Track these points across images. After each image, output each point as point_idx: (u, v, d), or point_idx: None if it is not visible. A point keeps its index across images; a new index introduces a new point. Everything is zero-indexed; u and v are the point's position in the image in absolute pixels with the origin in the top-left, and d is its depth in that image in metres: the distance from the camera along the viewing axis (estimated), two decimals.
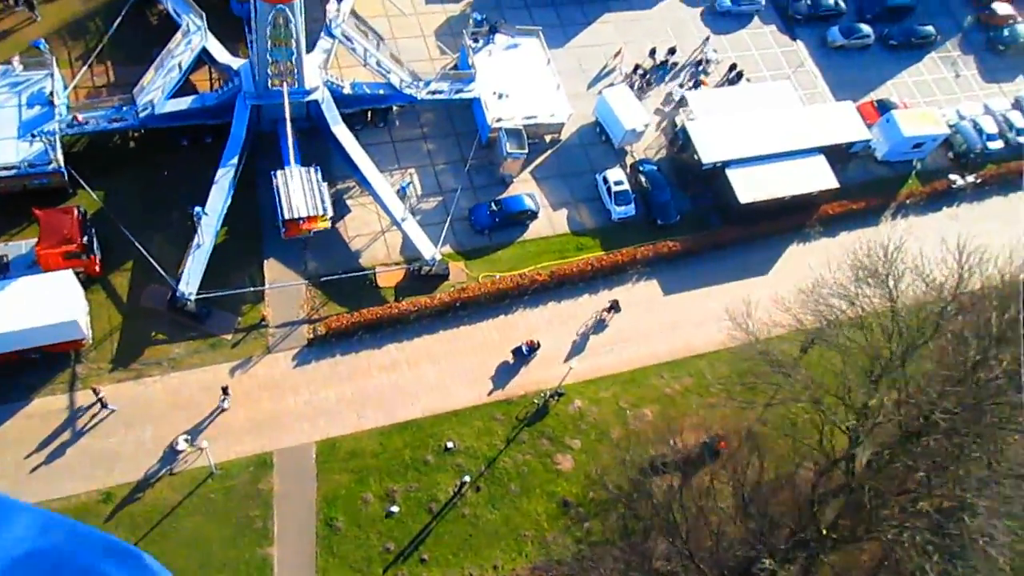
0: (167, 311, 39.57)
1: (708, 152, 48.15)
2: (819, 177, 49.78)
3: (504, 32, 50.37)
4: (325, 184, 42.44)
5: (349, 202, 45.14)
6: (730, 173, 48.16)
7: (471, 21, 49.66)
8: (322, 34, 46.36)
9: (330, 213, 41.68)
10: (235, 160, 41.67)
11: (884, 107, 55.49)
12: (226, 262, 41.34)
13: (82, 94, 44.45)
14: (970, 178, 55.14)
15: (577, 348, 43.77)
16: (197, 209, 37.86)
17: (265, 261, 42.40)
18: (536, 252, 46.19)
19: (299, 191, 40.93)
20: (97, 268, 39.38)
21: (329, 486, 37.73)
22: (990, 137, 56.57)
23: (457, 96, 47.18)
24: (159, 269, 39.43)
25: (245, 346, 40.27)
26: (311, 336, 40.89)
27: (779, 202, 48.79)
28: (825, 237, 50.93)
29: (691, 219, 49.29)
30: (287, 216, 40.25)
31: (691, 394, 43.72)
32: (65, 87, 43.18)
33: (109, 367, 38.24)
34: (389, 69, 45.73)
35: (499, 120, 46.40)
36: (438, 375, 41.38)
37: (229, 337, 40.31)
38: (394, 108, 47.56)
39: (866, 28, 59.50)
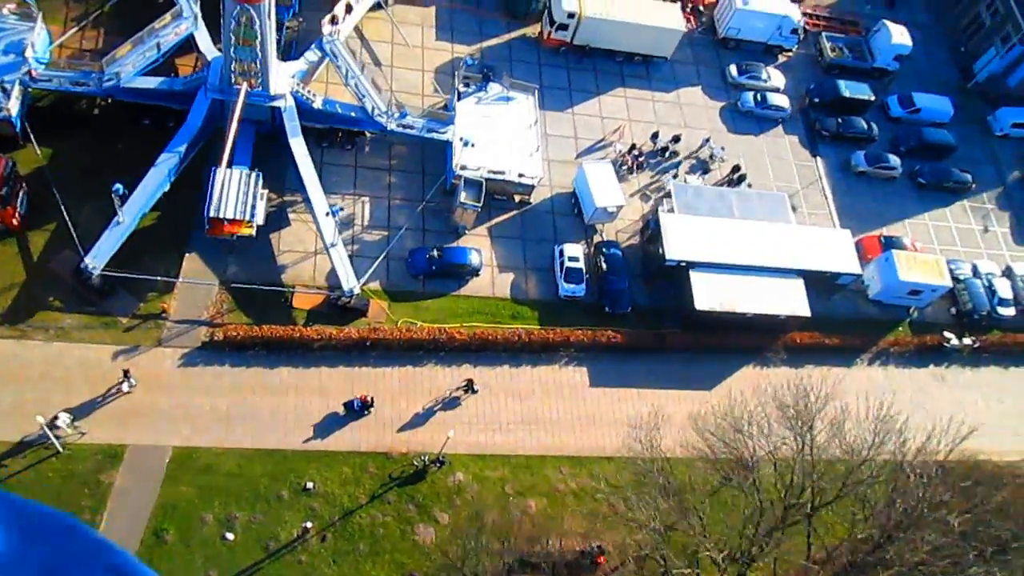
0: (71, 280, 39.76)
1: (675, 247, 46.36)
2: (791, 301, 47.30)
3: (498, 82, 50.07)
4: (264, 192, 42.47)
5: (291, 216, 45.00)
6: (694, 275, 46.18)
7: (463, 64, 49.50)
8: (312, 46, 47.00)
9: (258, 222, 41.59)
10: (182, 148, 42.07)
11: (890, 244, 52.77)
12: (148, 247, 41.50)
13: (66, 54, 45.93)
14: (968, 340, 51.56)
15: (477, 418, 42.10)
16: (117, 186, 38.08)
17: (187, 255, 42.39)
18: (468, 310, 44.95)
19: (233, 192, 40.93)
20: (15, 222, 40.01)
21: (171, 495, 36.73)
22: (1002, 302, 52.98)
23: (429, 135, 46.88)
24: (74, 236, 39.80)
25: (137, 333, 40.06)
26: (206, 339, 40.43)
27: (741, 317, 46.47)
28: (787, 366, 48.03)
29: (645, 314, 47.34)
30: (211, 213, 40.22)
31: (585, 496, 41.30)
32: (50, 43, 44.70)
33: None
34: (365, 94, 45.78)
35: (463, 168, 45.77)
36: (322, 411, 40.24)
37: (125, 320, 40.21)
38: (367, 134, 47.56)
39: (895, 159, 57.07)
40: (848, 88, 58.58)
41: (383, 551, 37.88)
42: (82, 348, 38.99)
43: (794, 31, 59.59)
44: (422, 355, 42.92)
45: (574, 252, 46.82)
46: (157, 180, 41.17)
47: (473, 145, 45.76)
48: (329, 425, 40.09)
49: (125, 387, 38.00)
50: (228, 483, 37.66)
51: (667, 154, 53.35)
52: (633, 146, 52.62)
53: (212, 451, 38.20)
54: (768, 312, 46.73)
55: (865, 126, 58.12)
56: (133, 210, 40.17)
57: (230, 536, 36.38)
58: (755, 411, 37.41)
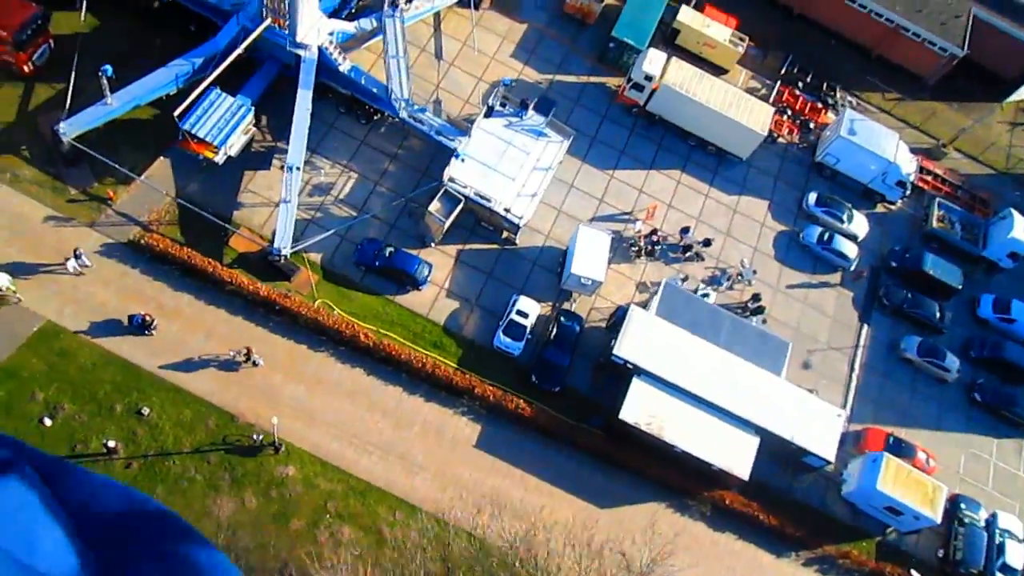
0: (49, 139, 42.33)
1: (629, 345, 42.64)
2: (732, 456, 42.08)
3: (536, 113, 48.41)
4: (251, 129, 43.60)
5: (274, 163, 45.65)
6: (635, 382, 42.23)
7: (502, 83, 48.17)
8: (372, 16, 47.68)
9: (229, 152, 42.56)
10: (198, 60, 43.69)
11: (896, 447, 45.83)
12: (131, 137, 43.56)
13: None
14: None
15: (341, 425, 40.54)
16: (106, 67, 40.11)
17: (161, 157, 44.05)
18: (392, 319, 43.63)
19: (215, 115, 42.19)
20: (26, 68, 43.28)
21: (19, 362, 38.14)
22: (1005, 569, 44.53)
23: (438, 138, 46.03)
24: (68, 101, 42.36)
25: (77, 208, 42.08)
26: (133, 239, 41.74)
27: (670, 449, 41.92)
28: (703, 523, 42.96)
29: (575, 402, 43.91)
30: (185, 126, 41.58)
31: (402, 548, 38.65)
32: None
33: None
34: (392, 76, 45.78)
35: (451, 180, 44.52)
36: (197, 349, 40.37)
37: (73, 191, 42.37)
38: (388, 117, 47.44)
39: (953, 360, 49.61)
40: (935, 266, 51.67)
41: (174, 505, 37.26)
42: (24, 201, 41.44)
43: (900, 183, 53.41)
44: (321, 341, 42.06)
45: (527, 308, 44.26)
46: (160, 80, 43.07)
47: (463, 160, 44.46)
48: (196, 365, 40.14)
49: (69, 266, 39.78)
50: (75, 374, 38.60)
51: (689, 254, 49.38)
52: (655, 231, 49.16)
53: (78, 339, 39.28)
54: (700, 456, 41.82)
55: (937, 314, 50.96)
56: (125, 98, 42.27)
57: (48, 422, 37.24)
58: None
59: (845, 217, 52.51)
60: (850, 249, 51.43)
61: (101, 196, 42.53)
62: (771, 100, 56.30)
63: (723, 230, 51.37)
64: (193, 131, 41.69)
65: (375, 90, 46.17)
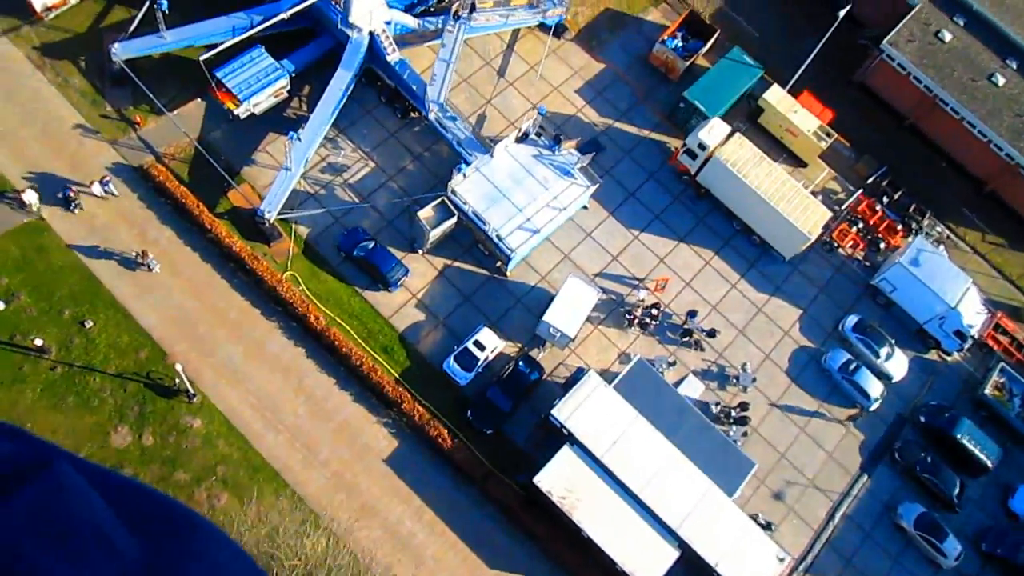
0: (105, 56, 45.47)
1: (569, 409, 40.33)
2: (644, 562, 38.69)
3: (577, 153, 47.11)
4: (283, 92, 45.31)
5: (300, 132, 46.82)
6: (564, 449, 39.87)
7: (537, 110, 46.95)
8: (439, 17, 48.25)
9: (251, 109, 44.40)
10: (258, 17, 45.51)
11: None
12: (179, 73, 46.05)
13: None
14: None
15: (262, 396, 40.83)
16: (161, 1, 42.70)
17: (197, 100, 46.34)
18: (353, 311, 43.63)
19: (248, 72, 44.12)
20: None
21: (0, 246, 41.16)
22: None
23: (459, 148, 45.71)
24: (134, 24, 45.27)
25: (106, 123, 45.13)
26: (143, 165, 44.13)
27: (577, 530, 39.17)
28: None
29: (504, 450, 42.13)
30: (217, 73, 43.60)
31: (273, 534, 38.25)
32: None
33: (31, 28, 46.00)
34: (434, 77, 46.06)
35: (453, 192, 44.02)
36: (162, 286, 41.99)
37: (108, 108, 45.38)
38: (423, 116, 47.65)
39: (954, 546, 43.34)
40: (970, 435, 45.56)
41: (79, 418, 38.91)
42: (63, 105, 44.93)
43: (959, 334, 47.55)
44: (276, 310, 42.68)
45: (487, 340, 42.94)
46: (217, 27, 45.34)
47: (465, 175, 43.82)
48: (155, 301, 41.78)
49: (95, 189, 42.61)
50: (42, 270, 41.24)
51: (687, 339, 46.19)
52: (657, 304, 46.39)
53: (59, 242, 41.94)
54: (607, 551, 38.76)
55: (956, 488, 44.84)
56: (178, 36, 45.03)
57: (0, 305, 39.92)
58: None
59: (883, 352, 47.34)
60: (875, 388, 46.29)
61: (131, 119, 45.38)
62: (845, 207, 51.97)
63: (738, 326, 47.71)
64: (223, 79, 43.71)
65: (415, 87, 46.55)
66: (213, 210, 43.99)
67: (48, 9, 46.11)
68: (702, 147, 47.94)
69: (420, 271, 45.18)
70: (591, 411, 40.69)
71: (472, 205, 44.28)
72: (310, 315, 42.18)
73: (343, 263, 44.52)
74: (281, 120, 46.77)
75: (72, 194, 41.90)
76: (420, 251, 45.26)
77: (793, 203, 47.45)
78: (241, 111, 44.24)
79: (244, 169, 45.65)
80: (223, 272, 43.11)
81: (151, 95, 44.97)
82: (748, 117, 53.32)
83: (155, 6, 42.99)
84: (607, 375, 43.60)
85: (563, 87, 52.05)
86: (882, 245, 51.47)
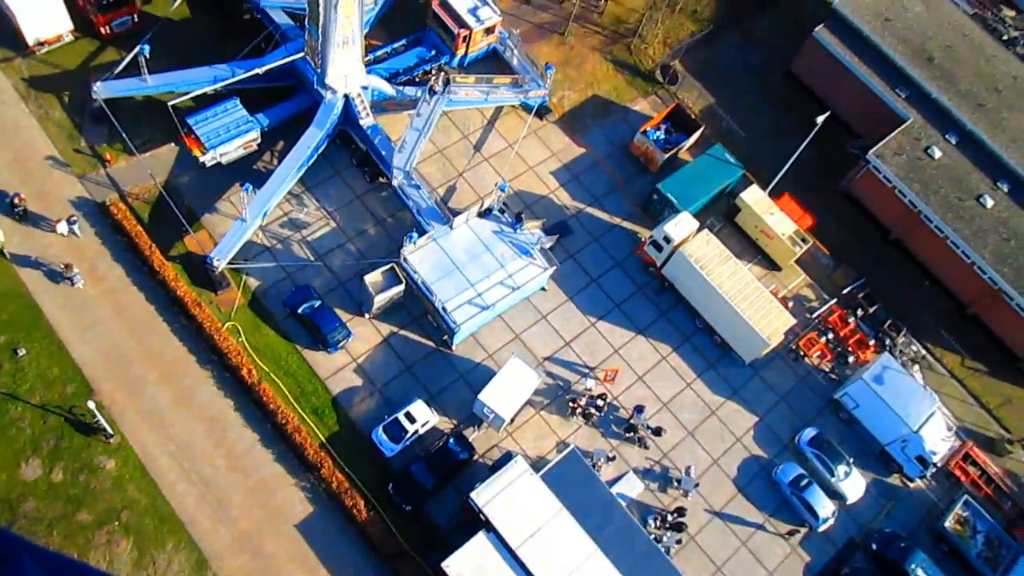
0: (90, 84, 46.48)
1: (488, 496, 39.04)
2: None
3: (543, 234, 47.18)
4: (252, 144, 46.12)
5: (254, 185, 46.89)
6: (479, 536, 38.40)
7: (497, 187, 46.80)
8: (420, 89, 49.11)
9: (216, 157, 45.07)
10: (240, 70, 46.80)
11: None
12: (156, 116, 46.96)
13: None
14: None
15: (184, 448, 40.25)
16: (144, 47, 44.10)
17: (171, 144, 47.24)
18: (290, 368, 43.29)
19: (219, 122, 45.14)
20: (104, 31, 49.17)
21: None
22: None
23: (417, 217, 45.93)
24: (121, 66, 46.55)
25: (78, 158, 46.33)
26: (106, 202, 44.90)
27: None
28: None
29: (423, 528, 40.89)
30: (189, 120, 44.63)
31: None
32: None
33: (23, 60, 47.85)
34: (402, 147, 46.71)
35: (404, 259, 43.96)
36: (104, 313, 42.29)
37: (83, 145, 46.56)
38: (390, 182, 48.04)
39: None
40: (923, 571, 43.02)
41: None
42: (39, 135, 46.26)
43: (921, 459, 45.45)
44: (211, 360, 42.50)
45: (419, 413, 42.10)
46: (199, 76, 46.72)
47: (415, 244, 43.77)
48: (94, 336, 41.89)
49: (60, 228, 43.19)
50: None
51: (631, 435, 44.81)
52: (604, 396, 45.23)
53: (4, 265, 42.42)
54: None
55: None
56: (160, 81, 46.28)
57: None
58: None
59: (840, 471, 45.35)
60: (825, 507, 44.20)
61: (102, 156, 46.44)
62: (816, 315, 50.77)
63: (688, 427, 46.23)
64: (193, 126, 44.68)
65: (384, 152, 47.11)
66: (167, 253, 44.40)
67: (41, 44, 47.93)
68: (667, 240, 47.45)
69: (365, 335, 44.84)
70: (512, 499, 39.34)
71: (422, 275, 44.10)
72: (243, 367, 41.87)
73: (287, 319, 44.39)
74: (250, 172, 47.46)
75: (18, 201, 42.89)
76: (367, 315, 45.02)
77: (756, 306, 46.46)
78: (207, 159, 45.01)
79: (205, 216, 46.19)
80: (166, 315, 43.19)
81: (124, 135, 46.09)
82: (726, 215, 52.93)
83: (138, 50, 44.55)
84: (540, 463, 42.43)
85: (539, 167, 52.28)
86: (851, 359, 49.95)
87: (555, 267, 46.74)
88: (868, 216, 55.55)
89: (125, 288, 43.50)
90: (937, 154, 53.16)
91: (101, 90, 45.83)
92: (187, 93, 45.41)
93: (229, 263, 43.83)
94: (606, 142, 54.33)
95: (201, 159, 45.06)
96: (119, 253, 44.20)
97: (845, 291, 52.32)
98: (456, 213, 47.30)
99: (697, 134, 54.00)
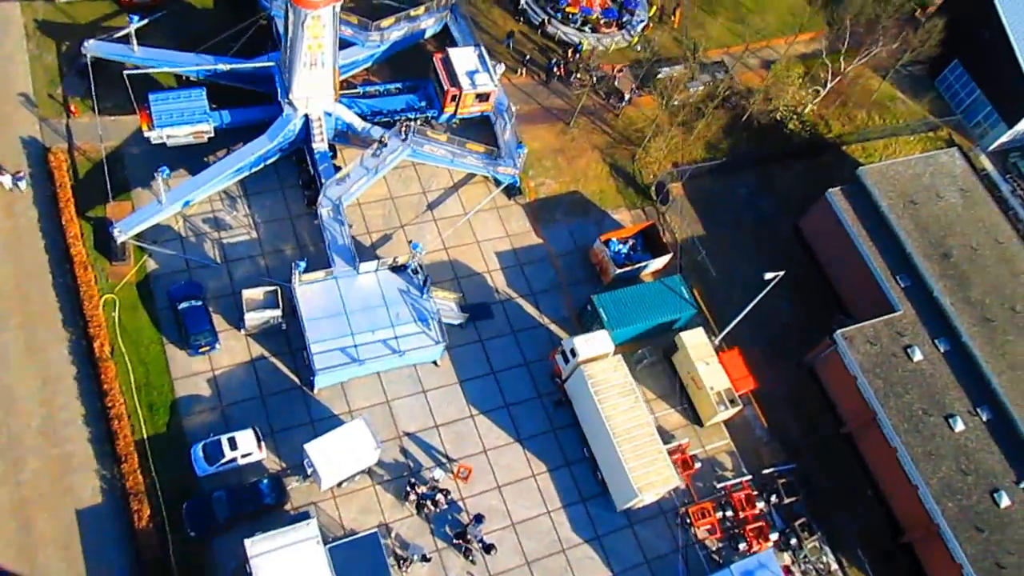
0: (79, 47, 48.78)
1: (263, 545, 36.62)
2: None
3: (456, 309, 46.06)
4: (202, 136, 47.39)
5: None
6: None
7: (412, 247, 45.18)
8: (385, 132, 49.01)
9: (163, 135, 46.31)
10: (224, 67, 48.40)
11: None
12: (138, 85, 48.07)
13: None
14: None
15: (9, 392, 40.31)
16: (134, 17, 46.41)
17: (138, 111, 47.83)
18: (146, 358, 42.84)
19: (177, 104, 46.48)
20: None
21: None
22: None
23: (329, 251, 45.11)
24: (121, 32, 48.50)
25: (48, 102, 48.75)
26: (50, 147, 46.58)
27: None
28: None
29: (203, 560, 38.75)
30: (151, 96, 46.18)
31: None
32: None
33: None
34: (344, 180, 46.80)
35: (293, 288, 43.15)
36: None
37: (58, 92, 48.82)
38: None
39: None
40: None
41: None
42: (23, 73, 48.88)
43: None
44: (76, 324, 42.58)
45: (244, 443, 40.39)
46: (184, 59, 48.35)
47: (301, 273, 42.87)
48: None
49: (6, 181, 44.82)
50: None
51: (459, 542, 41.38)
52: (447, 492, 42.20)
53: None
54: None
55: None
56: (145, 55, 48.00)
57: None
58: None
59: None
60: None
61: (68, 107, 48.34)
62: (723, 487, 46.07)
63: (528, 556, 42.40)
64: (151, 102, 46.07)
65: (324, 180, 46.91)
66: (84, 212, 45.40)
67: None
68: (573, 353, 44.57)
69: (234, 350, 44.00)
70: (285, 560, 36.82)
71: (303, 308, 43.12)
72: (99, 339, 41.75)
73: (167, 309, 44.15)
74: (195, 159, 48.19)
75: None
76: (242, 330, 44.24)
77: (640, 452, 42.58)
78: (152, 135, 46.18)
79: (136, 190, 47.07)
80: (55, 268, 43.87)
81: (94, 93, 47.78)
82: (664, 351, 49.48)
83: (129, 18, 46.67)
84: (344, 537, 39.82)
85: (487, 243, 50.73)
86: (743, 545, 44.82)
87: (445, 343, 44.70)
88: (826, 400, 50.64)
89: (31, 231, 44.61)
90: (917, 356, 48.07)
91: (91, 47, 47.98)
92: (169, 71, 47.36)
93: (136, 240, 44.42)
94: (568, 240, 52.26)
95: (147, 134, 46.30)
96: (39, 196, 45.50)
97: (767, 471, 47.45)
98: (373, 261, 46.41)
99: (664, 259, 51.17)
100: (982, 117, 63.94)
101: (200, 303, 43.81)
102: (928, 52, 58.76)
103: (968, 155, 62.87)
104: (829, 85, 57.54)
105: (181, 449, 41.09)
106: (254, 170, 47.86)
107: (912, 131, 62.73)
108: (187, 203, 45.71)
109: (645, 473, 42.35)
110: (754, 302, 46.45)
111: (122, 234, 43.66)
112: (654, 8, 62.47)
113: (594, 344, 44.99)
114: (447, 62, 51.56)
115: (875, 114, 62.77)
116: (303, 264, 43.33)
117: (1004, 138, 62.68)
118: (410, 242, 45.97)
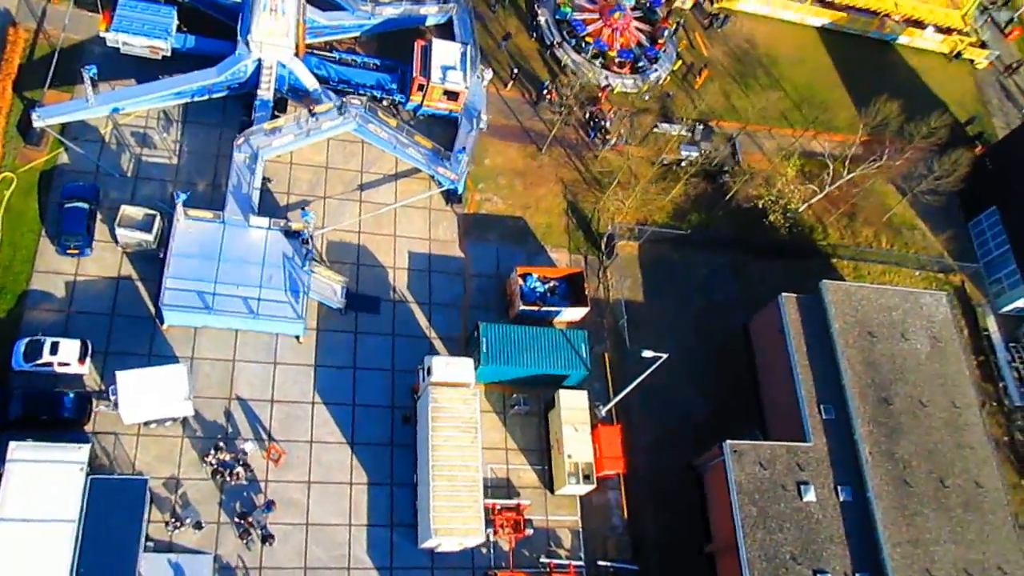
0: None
1: (24, 453, 35.80)
2: None
3: (319, 279, 44.17)
4: (158, 53, 48.14)
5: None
6: None
7: (302, 215, 43.87)
8: (337, 98, 48.21)
9: (116, 38, 47.38)
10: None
11: None
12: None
13: None
14: None
15: None
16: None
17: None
18: (16, 242, 42.91)
19: (145, 17, 47.60)
20: None
21: None
22: None
23: (228, 191, 44.66)
24: None
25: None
26: (15, 23, 47.72)
27: None
28: None
29: None
30: (120, 1, 47.04)
31: None
32: None
33: None
34: (272, 131, 46.28)
35: (177, 218, 42.61)
36: None
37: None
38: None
39: None
40: None
41: None
42: None
43: None
44: None
45: (66, 352, 39.53)
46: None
47: (183, 208, 42.28)
48: None
49: None
50: None
51: (240, 521, 39.41)
52: (249, 468, 40.43)
53: None
54: None
55: None
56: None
57: None
58: None
59: None
60: None
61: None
62: (547, 565, 42.43)
63: (309, 563, 39.88)
64: (118, 5, 46.77)
65: (254, 127, 46.42)
66: (22, 91, 46.23)
67: None
68: (429, 372, 42.17)
69: (106, 262, 43.76)
70: (40, 474, 35.68)
71: (176, 241, 42.47)
72: None
73: (57, 204, 44.24)
74: (149, 70, 48.04)
75: None
76: (118, 245, 43.90)
77: (454, 495, 39.69)
78: (108, 36, 46.94)
79: (80, 85, 47.52)
80: None
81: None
82: (545, 405, 46.35)
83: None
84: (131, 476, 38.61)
85: (403, 240, 48.99)
86: None
87: (302, 322, 43.13)
88: (703, 511, 46.20)
89: None
90: (809, 496, 43.25)
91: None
92: None
93: (56, 131, 44.89)
94: (491, 263, 49.88)
95: (103, 34, 47.01)
96: None
97: (603, 563, 43.55)
98: (275, 216, 45.36)
99: (580, 312, 48.11)
100: (1004, 275, 57.92)
101: (87, 207, 43.69)
102: (947, 186, 53.71)
103: (976, 309, 57.46)
104: (828, 188, 53.15)
105: (10, 339, 41.03)
106: (197, 99, 48.03)
107: (921, 266, 57.34)
108: (116, 110, 45.99)
109: (449, 516, 39.41)
110: (638, 381, 42.94)
111: (40, 119, 44.22)
112: (679, 63, 59.64)
113: (454, 370, 42.44)
114: (427, 51, 50.46)
115: (884, 236, 57.81)
116: (184, 195, 42.71)
117: (1019, 303, 56.59)
118: (302, 209, 44.80)
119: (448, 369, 42.47)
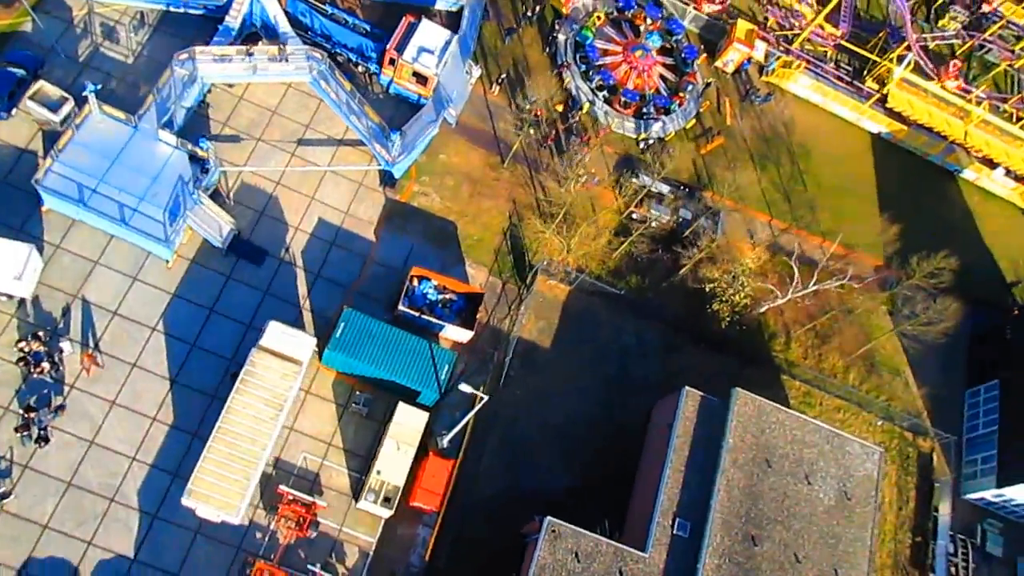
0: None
1: None
2: None
3: (202, 207, 42.99)
4: None
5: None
6: None
7: (199, 140, 43.00)
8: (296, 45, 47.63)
9: None
10: None
11: None
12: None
13: None
14: None
15: None
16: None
17: None
18: None
19: None
20: None
21: None
22: None
23: (157, 101, 44.87)
24: None
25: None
26: None
27: None
28: None
29: None
30: None
31: None
32: None
33: None
34: (223, 57, 45.91)
35: (86, 97, 42.74)
36: None
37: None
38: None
39: None
40: None
41: None
42: None
43: None
44: None
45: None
46: None
47: (95, 97, 42.37)
48: None
49: None
50: None
51: (23, 415, 38.62)
52: (59, 368, 39.77)
53: None
54: None
55: None
56: None
57: None
58: None
59: None
60: None
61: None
62: (313, 572, 39.44)
63: (76, 482, 38.68)
64: None
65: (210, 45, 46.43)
66: None
67: None
68: (260, 334, 40.28)
69: (16, 132, 44.58)
70: None
71: (79, 130, 42.72)
72: None
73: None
74: None
75: None
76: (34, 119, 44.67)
77: (228, 462, 37.57)
78: None
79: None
80: None
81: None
82: (390, 411, 43.42)
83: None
84: None
85: (316, 207, 47.48)
86: None
87: (168, 249, 42.28)
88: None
89: None
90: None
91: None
92: None
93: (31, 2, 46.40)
94: (398, 258, 47.47)
95: None
96: None
97: None
98: (196, 139, 44.93)
99: (465, 335, 45.06)
100: (982, 458, 50.05)
101: (20, 74, 44.70)
102: (931, 332, 47.19)
103: (934, 485, 50.08)
104: (791, 294, 47.62)
105: None
106: (172, 9, 48.71)
107: (888, 417, 50.46)
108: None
109: (211, 483, 37.35)
110: (466, 418, 39.48)
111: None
112: (693, 122, 55.45)
113: (289, 342, 40.48)
114: (411, 28, 49.05)
115: (855, 370, 51.29)
116: (95, 86, 42.76)
117: (986, 494, 48.72)
118: (201, 136, 44.16)
119: (282, 339, 40.52)
